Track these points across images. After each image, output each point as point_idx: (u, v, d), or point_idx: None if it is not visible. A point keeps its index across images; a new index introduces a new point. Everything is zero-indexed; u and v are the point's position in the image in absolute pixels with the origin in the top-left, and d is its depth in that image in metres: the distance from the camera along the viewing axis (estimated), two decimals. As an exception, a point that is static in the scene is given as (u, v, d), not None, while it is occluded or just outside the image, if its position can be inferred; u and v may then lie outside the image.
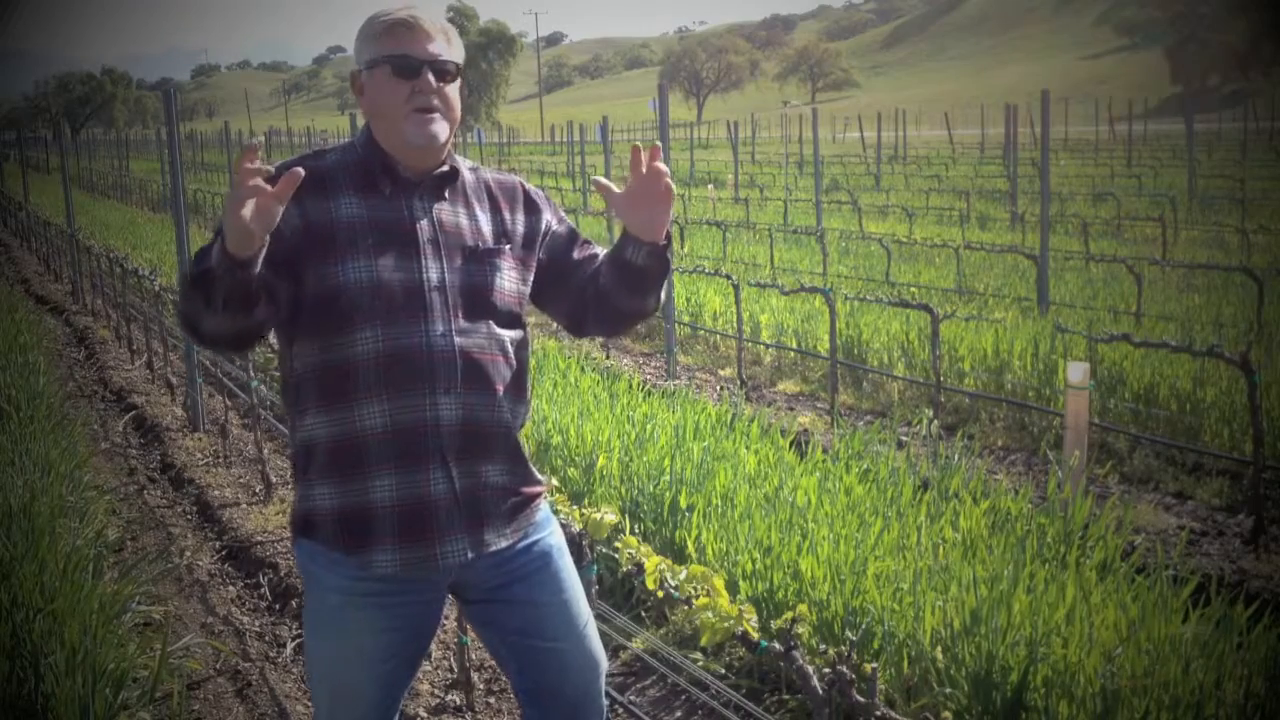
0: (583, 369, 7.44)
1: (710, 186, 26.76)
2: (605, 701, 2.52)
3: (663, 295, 2.39)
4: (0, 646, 3.55)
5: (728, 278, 8.95)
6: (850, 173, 32.74)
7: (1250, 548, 5.11)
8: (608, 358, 9.76)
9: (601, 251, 2.43)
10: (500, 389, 2.30)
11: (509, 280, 2.34)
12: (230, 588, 5.12)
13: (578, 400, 6.16)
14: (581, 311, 2.44)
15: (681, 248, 15.78)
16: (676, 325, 9.42)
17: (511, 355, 2.34)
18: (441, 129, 2.26)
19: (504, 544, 2.34)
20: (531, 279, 2.41)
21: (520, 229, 2.39)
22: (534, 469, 2.44)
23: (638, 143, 2.25)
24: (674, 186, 2.21)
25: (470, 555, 2.28)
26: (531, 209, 2.43)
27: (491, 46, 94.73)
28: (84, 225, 17.38)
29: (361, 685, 2.32)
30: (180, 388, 8.48)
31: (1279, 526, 5.30)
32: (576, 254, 2.44)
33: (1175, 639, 3.16)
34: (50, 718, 3.36)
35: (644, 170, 2.20)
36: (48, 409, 6.77)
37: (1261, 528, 5.16)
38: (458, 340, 2.25)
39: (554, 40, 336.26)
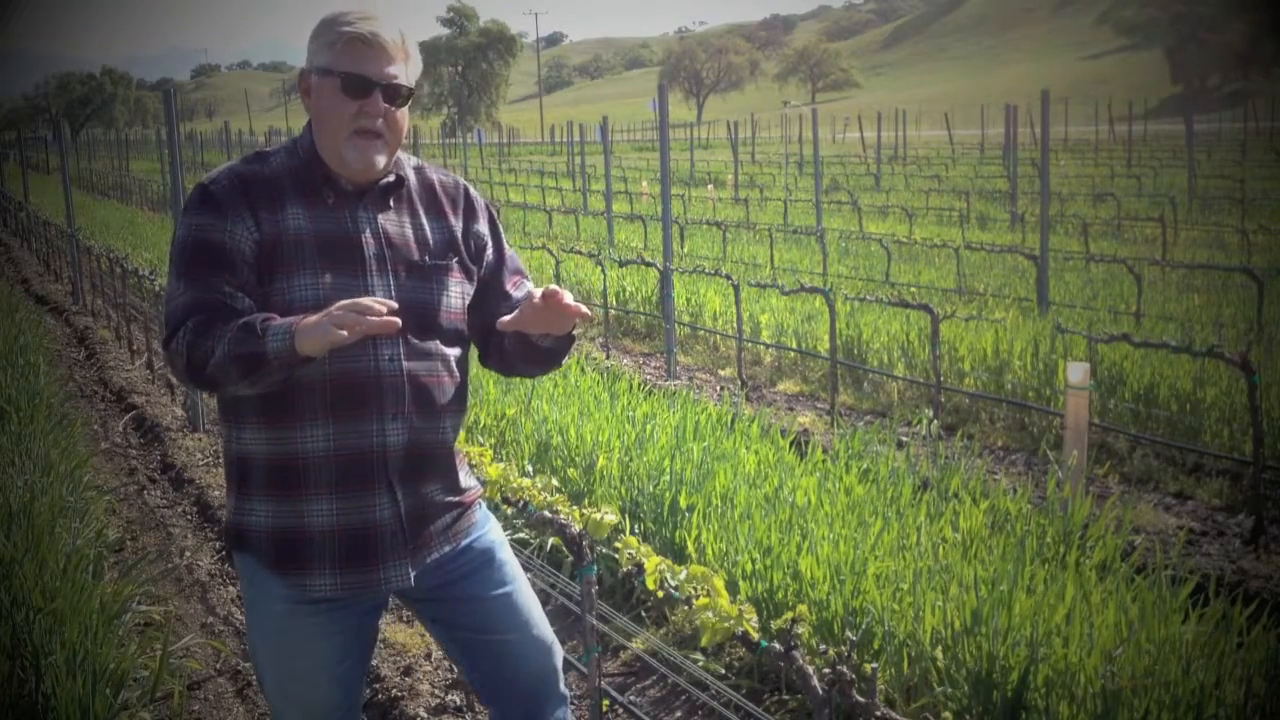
0: (583, 369, 7.45)
1: (710, 186, 26.77)
2: (565, 689, 2.53)
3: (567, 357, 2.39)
4: (0, 646, 3.55)
5: (728, 278, 8.95)
6: (850, 173, 32.73)
7: (1250, 548, 5.12)
8: (607, 358, 9.76)
9: (529, 288, 2.37)
10: (445, 410, 2.29)
11: (454, 296, 2.30)
12: (230, 588, 5.11)
13: (578, 400, 6.15)
14: (488, 349, 2.41)
15: (682, 248, 15.78)
16: (676, 325, 9.42)
17: (456, 373, 2.32)
18: (381, 156, 2.20)
19: (446, 549, 2.35)
20: (474, 288, 2.36)
21: (463, 236, 2.35)
22: (467, 473, 2.42)
23: (549, 292, 2.15)
24: (570, 299, 2.15)
25: (413, 576, 2.28)
26: (471, 215, 2.38)
27: (491, 46, 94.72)
28: (84, 225, 17.38)
29: (321, 688, 2.32)
30: (180, 388, 8.48)
31: (1279, 526, 5.30)
32: (506, 286, 2.39)
33: (1175, 639, 3.17)
34: (51, 718, 3.36)
35: (549, 305, 2.14)
36: (48, 409, 6.78)
37: (1261, 528, 5.16)
38: (406, 365, 2.21)
39: (554, 40, 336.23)
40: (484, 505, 2.49)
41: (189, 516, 6.15)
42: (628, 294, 11.58)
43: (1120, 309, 9.70)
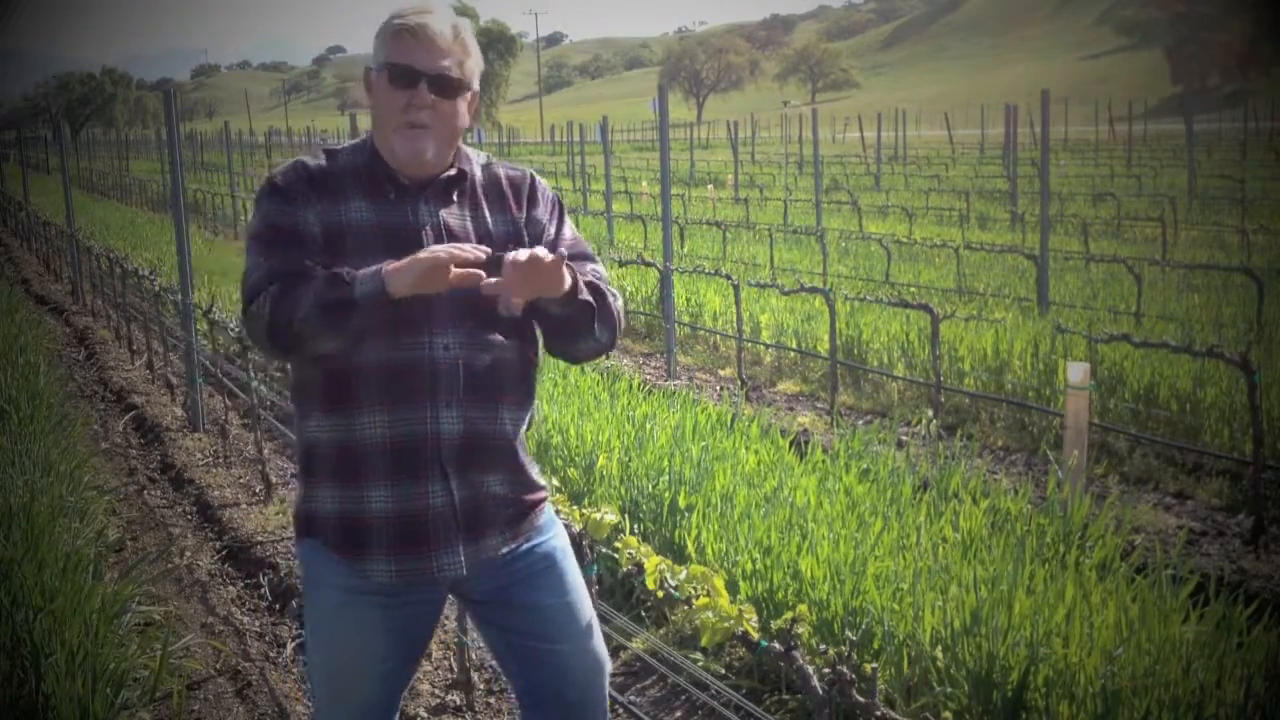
0: (583, 369, 7.44)
1: (710, 186, 26.77)
2: (608, 707, 2.49)
3: (607, 334, 2.32)
4: (0, 646, 3.55)
5: (728, 278, 8.95)
6: (850, 173, 32.74)
7: (1250, 548, 5.12)
8: (608, 358, 9.76)
9: (592, 268, 2.34)
10: (502, 401, 2.28)
11: None
12: (230, 588, 5.12)
13: (578, 400, 6.16)
14: (545, 336, 2.39)
15: (681, 248, 15.78)
16: (676, 325, 9.42)
17: (516, 365, 2.31)
18: (428, 147, 2.22)
19: (504, 549, 2.33)
20: None
21: (528, 228, 2.35)
22: (536, 474, 2.41)
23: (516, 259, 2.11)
24: (537, 256, 2.09)
25: (466, 568, 2.27)
26: (533, 203, 2.38)
27: (491, 46, 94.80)
28: (84, 225, 17.38)
29: (361, 683, 2.33)
30: (180, 388, 8.48)
31: (1279, 526, 5.30)
32: None
33: (1175, 639, 3.17)
34: (50, 718, 3.36)
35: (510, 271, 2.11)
36: (48, 409, 6.77)
37: (1261, 528, 5.16)
38: (462, 353, 2.22)
39: (554, 40, 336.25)
40: (551, 510, 2.46)
41: (189, 516, 6.15)
42: (628, 294, 11.58)
43: (1120, 309, 9.70)
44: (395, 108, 2.20)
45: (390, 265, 2.07)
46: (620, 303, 2.37)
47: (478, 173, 2.34)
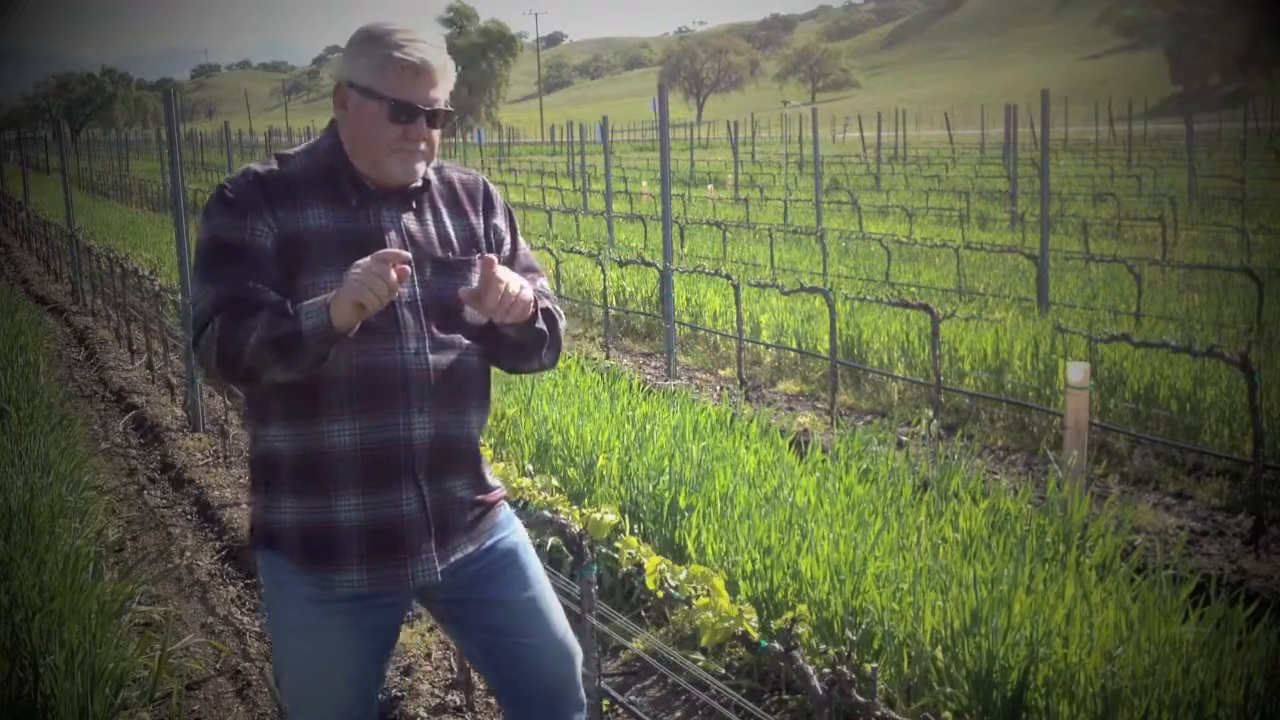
0: (583, 369, 7.44)
1: (710, 186, 26.76)
2: (583, 696, 2.53)
3: (551, 357, 2.37)
4: (0, 646, 3.55)
5: (728, 278, 8.95)
6: (850, 173, 32.72)
7: (1250, 548, 5.11)
8: (608, 358, 9.76)
9: (541, 283, 2.39)
10: (471, 404, 2.30)
11: None
12: (230, 588, 5.11)
13: (578, 400, 6.15)
14: (488, 345, 2.39)
15: (682, 248, 15.78)
16: (676, 325, 9.42)
17: (479, 368, 2.33)
18: (421, 168, 2.25)
19: (470, 549, 2.35)
20: None
21: (483, 232, 2.37)
22: (491, 474, 2.44)
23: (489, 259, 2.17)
24: (509, 291, 2.14)
25: (440, 571, 2.29)
26: (490, 211, 2.40)
27: (491, 46, 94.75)
28: (84, 225, 17.38)
29: (336, 688, 2.33)
30: (180, 388, 8.48)
31: (1279, 526, 5.30)
32: None
33: (1175, 639, 3.17)
34: (50, 718, 3.36)
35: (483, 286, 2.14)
36: (48, 409, 6.78)
37: (1261, 528, 5.16)
38: (431, 358, 2.23)
39: (554, 40, 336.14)
40: (508, 506, 2.49)
41: (189, 516, 6.15)
42: (628, 294, 11.58)
43: (1120, 309, 9.69)
44: (389, 138, 2.20)
45: (332, 296, 2.04)
46: (564, 323, 2.40)
47: (433, 178, 2.35)
